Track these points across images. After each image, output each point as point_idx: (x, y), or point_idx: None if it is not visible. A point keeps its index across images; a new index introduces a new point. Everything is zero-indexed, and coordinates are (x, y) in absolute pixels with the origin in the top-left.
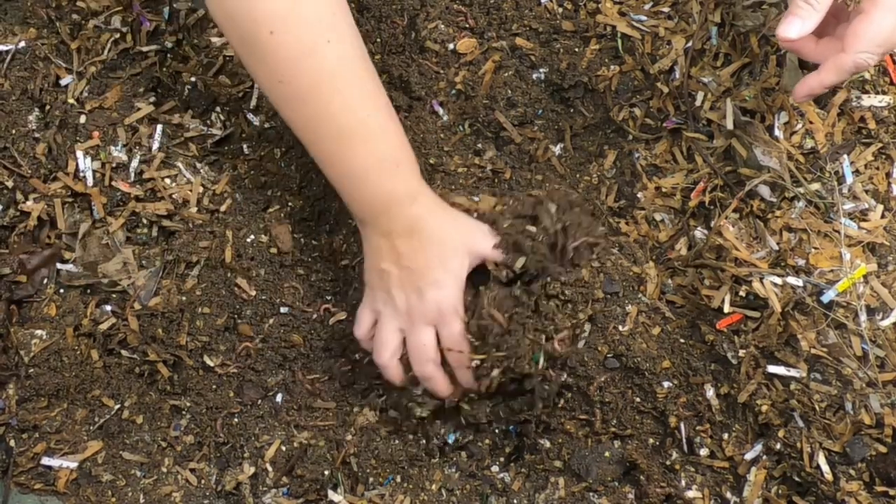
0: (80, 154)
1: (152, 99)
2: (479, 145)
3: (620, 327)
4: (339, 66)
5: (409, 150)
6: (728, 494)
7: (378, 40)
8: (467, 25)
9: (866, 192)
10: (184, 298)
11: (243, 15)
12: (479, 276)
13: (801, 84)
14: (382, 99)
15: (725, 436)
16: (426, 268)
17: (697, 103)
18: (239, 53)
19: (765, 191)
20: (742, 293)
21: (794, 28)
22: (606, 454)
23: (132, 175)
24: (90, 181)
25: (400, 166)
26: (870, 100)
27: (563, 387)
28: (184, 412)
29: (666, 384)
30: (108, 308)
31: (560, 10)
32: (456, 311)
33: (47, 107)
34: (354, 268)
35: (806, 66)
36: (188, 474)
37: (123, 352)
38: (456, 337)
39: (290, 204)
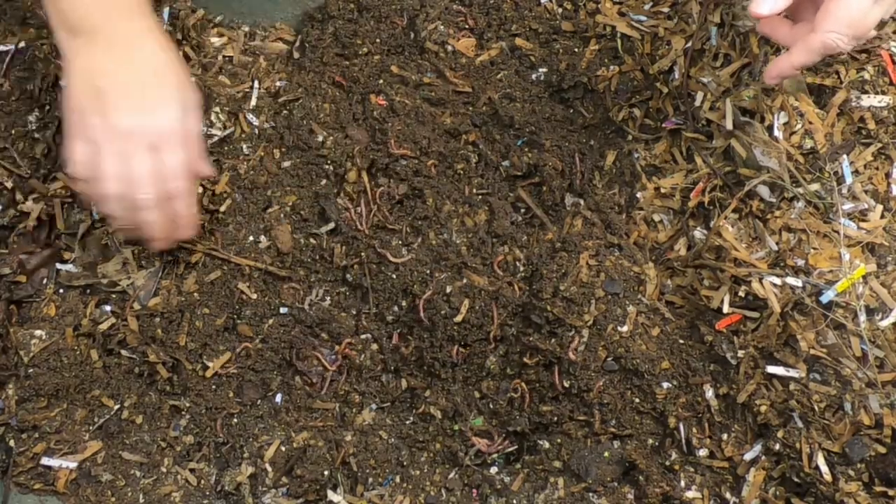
0: None
1: None
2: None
3: (620, 328)
4: None
5: None
6: (727, 495)
7: (378, 40)
8: (467, 25)
9: (866, 192)
10: (183, 299)
11: None
12: None
13: (771, 65)
14: None
15: (724, 436)
16: (151, 85)
17: (697, 103)
18: None
19: (764, 191)
20: (741, 293)
21: (766, 4)
22: (606, 454)
23: None
24: None
25: None
26: (869, 100)
27: (564, 389)
28: (183, 412)
29: (665, 385)
30: (108, 308)
31: (560, 10)
32: (179, 138)
33: (47, 107)
34: (354, 266)
35: None
36: (188, 474)
37: (123, 352)
38: (177, 167)
39: (289, 204)
